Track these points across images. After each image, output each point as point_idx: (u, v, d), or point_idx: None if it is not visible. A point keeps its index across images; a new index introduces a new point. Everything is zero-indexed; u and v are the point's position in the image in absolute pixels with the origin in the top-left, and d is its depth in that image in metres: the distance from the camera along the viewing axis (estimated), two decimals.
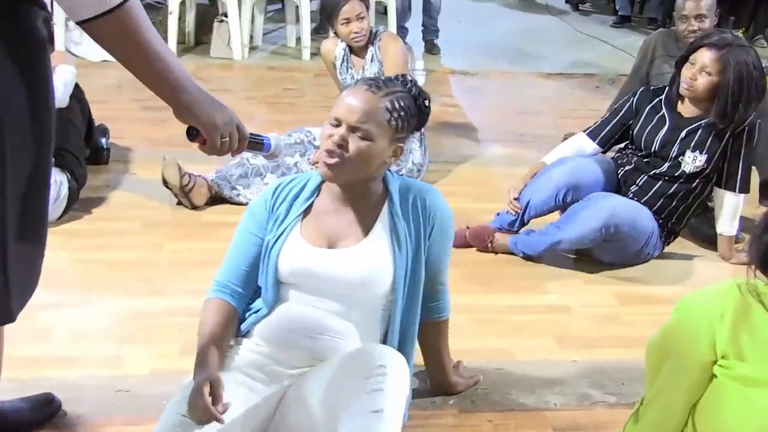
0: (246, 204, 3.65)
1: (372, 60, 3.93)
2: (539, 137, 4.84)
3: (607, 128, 3.37)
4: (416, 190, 1.99)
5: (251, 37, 6.54)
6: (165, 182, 3.62)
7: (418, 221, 1.96)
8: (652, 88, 3.36)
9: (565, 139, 4.68)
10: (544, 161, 3.38)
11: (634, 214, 3.17)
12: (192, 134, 1.64)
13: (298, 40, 6.55)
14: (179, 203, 3.67)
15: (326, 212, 1.97)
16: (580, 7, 8.73)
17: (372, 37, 3.93)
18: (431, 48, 6.66)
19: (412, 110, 1.92)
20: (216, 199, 3.72)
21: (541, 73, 6.31)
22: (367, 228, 1.95)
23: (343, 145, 1.87)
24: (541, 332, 2.86)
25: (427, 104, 1.96)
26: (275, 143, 1.85)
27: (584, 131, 3.43)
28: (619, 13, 8.09)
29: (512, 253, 3.33)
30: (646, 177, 3.24)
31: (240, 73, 6.01)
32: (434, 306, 2.11)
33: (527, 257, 3.31)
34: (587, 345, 2.79)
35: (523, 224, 3.34)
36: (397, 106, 1.87)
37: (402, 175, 3.86)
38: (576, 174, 3.22)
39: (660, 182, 3.22)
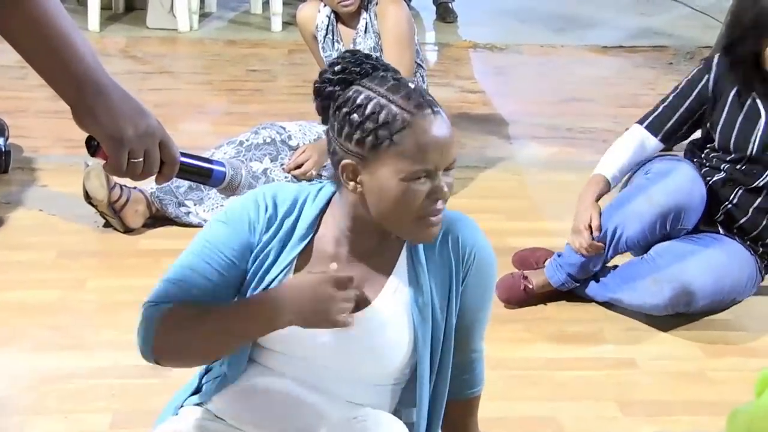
0: (197, 225, 3.69)
1: (366, 31, 3.98)
2: (591, 132, 4.90)
3: (674, 119, 3.35)
4: (447, 222, 1.94)
5: (202, 1, 6.60)
6: (88, 197, 3.65)
7: (448, 266, 1.93)
8: (731, 61, 3.26)
9: None
10: (601, 174, 3.34)
11: (717, 276, 3.19)
12: (92, 146, 1.61)
13: (266, 5, 6.62)
14: (108, 225, 3.72)
15: (326, 260, 1.94)
16: None
17: (365, 1, 3.98)
18: (445, 13, 6.73)
19: None
20: (157, 219, 3.76)
21: (595, 47, 6.38)
22: (378, 284, 1.93)
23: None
24: (598, 394, 2.87)
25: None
26: (232, 172, 1.76)
27: (640, 122, 3.41)
28: None
29: (555, 289, 3.36)
30: (742, 190, 3.27)
31: (187, 50, 6.07)
32: (465, 380, 2.09)
33: (576, 282, 3.33)
34: (659, 411, 2.81)
35: (605, 264, 3.34)
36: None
37: None
38: (684, 193, 3.19)
39: (763, 197, 3.27)
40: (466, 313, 1.97)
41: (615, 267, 3.33)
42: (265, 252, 1.93)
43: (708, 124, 3.32)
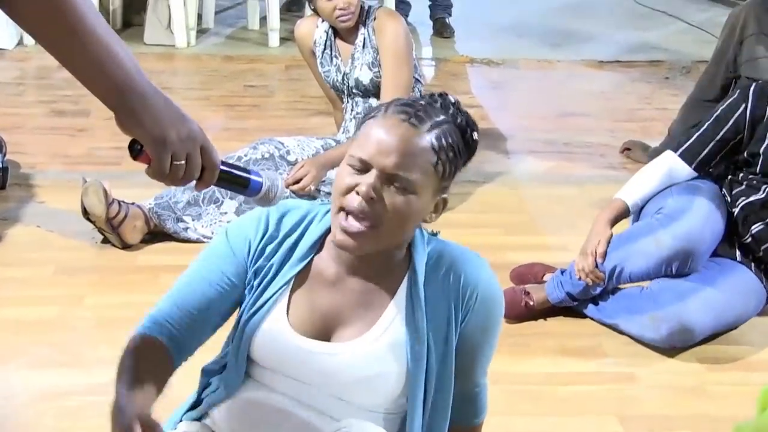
0: (196, 241, 3.68)
1: (364, 46, 3.98)
2: (589, 147, 4.90)
3: (708, 148, 3.31)
4: (451, 258, 1.91)
5: (200, 16, 6.61)
6: (86, 213, 3.64)
7: (448, 304, 1.90)
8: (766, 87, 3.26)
9: (624, 149, 4.78)
10: (622, 199, 3.30)
11: (717, 314, 3.16)
12: (135, 150, 1.63)
13: (263, 20, 6.62)
14: (105, 241, 3.70)
15: (326, 282, 1.92)
16: None
17: (364, 16, 3.98)
18: (442, 29, 6.74)
19: (461, 149, 1.88)
20: (156, 234, 3.75)
21: (591, 61, 6.39)
22: (374, 313, 1.91)
23: (375, 200, 1.80)
24: (599, 409, 2.86)
25: (475, 137, 1.93)
26: (269, 183, 1.77)
27: (673, 150, 3.36)
28: None
29: (553, 305, 3.34)
30: None
31: (184, 65, 6.07)
32: (468, 409, 2.06)
33: (574, 302, 3.31)
34: (660, 426, 2.79)
35: (602, 294, 3.32)
36: (444, 144, 1.83)
37: None
38: (694, 240, 3.14)
39: None
40: (468, 351, 1.95)
41: (615, 291, 3.30)
42: (264, 269, 1.92)
43: (746, 152, 3.28)
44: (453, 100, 1.92)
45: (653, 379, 3.04)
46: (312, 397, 1.91)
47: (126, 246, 3.68)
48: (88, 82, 1.57)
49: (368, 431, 1.79)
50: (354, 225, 1.80)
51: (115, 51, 1.54)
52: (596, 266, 3.14)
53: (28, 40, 6.16)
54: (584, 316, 3.32)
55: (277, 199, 1.79)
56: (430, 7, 6.85)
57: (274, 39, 6.39)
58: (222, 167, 1.70)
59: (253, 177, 1.75)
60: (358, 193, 1.79)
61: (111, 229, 3.63)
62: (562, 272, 3.29)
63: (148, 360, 1.84)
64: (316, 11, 3.98)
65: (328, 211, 1.94)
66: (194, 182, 1.68)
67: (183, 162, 1.60)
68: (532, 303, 3.29)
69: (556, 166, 4.70)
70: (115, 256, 3.64)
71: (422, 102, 1.87)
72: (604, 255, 3.15)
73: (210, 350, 2.02)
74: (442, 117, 1.86)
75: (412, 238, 1.93)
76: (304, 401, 1.92)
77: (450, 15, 6.81)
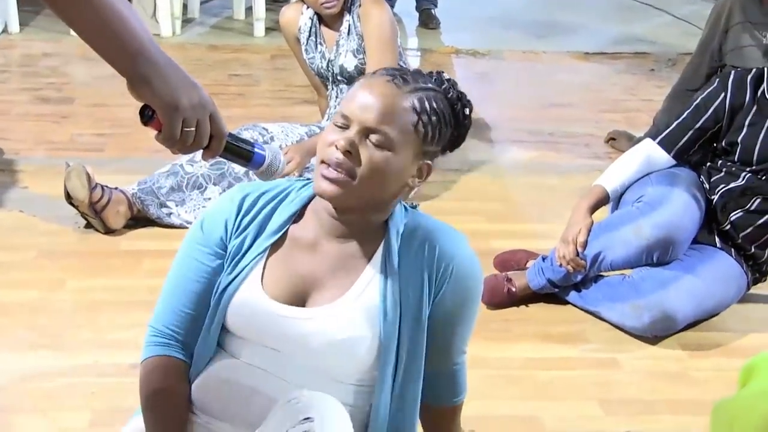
0: (179, 226, 3.67)
1: (349, 33, 3.97)
2: (573, 136, 4.91)
3: (687, 136, 3.32)
4: (427, 230, 1.93)
5: (185, 6, 6.59)
6: (69, 197, 3.62)
7: (422, 274, 1.90)
8: (748, 76, 3.27)
9: (609, 139, 4.79)
10: (602, 186, 3.29)
11: (698, 302, 3.17)
12: (147, 115, 1.64)
13: (249, 10, 6.61)
14: (88, 226, 3.69)
15: (302, 248, 1.94)
16: None
17: (349, 2, 3.97)
18: (428, 20, 6.73)
19: (446, 117, 1.90)
20: (139, 220, 3.74)
21: (577, 53, 6.39)
22: (352, 279, 1.92)
23: (352, 153, 1.82)
24: (580, 394, 2.86)
25: (467, 113, 1.95)
26: (272, 156, 1.79)
27: (652, 137, 3.37)
28: None
29: (535, 292, 3.34)
30: (760, 199, 3.23)
31: (169, 54, 5.99)
32: (447, 388, 2.07)
33: (555, 288, 3.32)
34: (642, 411, 2.80)
35: (584, 281, 3.32)
36: (428, 107, 1.86)
37: None
38: (674, 228, 3.15)
39: None
40: (443, 328, 1.95)
41: (597, 279, 3.31)
42: (239, 242, 1.95)
43: (724, 141, 3.29)
44: (447, 77, 1.96)
45: (635, 364, 3.05)
46: (283, 367, 1.92)
47: (109, 231, 3.66)
48: (101, 49, 1.59)
49: (318, 399, 1.79)
50: (332, 173, 1.83)
51: (127, 17, 1.57)
52: (577, 254, 3.14)
53: (13, 27, 6.14)
54: (567, 303, 3.33)
55: (279, 172, 1.82)
56: None
57: (259, 29, 6.37)
58: (228, 138, 1.73)
59: (257, 150, 1.78)
60: (336, 147, 1.83)
61: (94, 213, 3.62)
62: (543, 259, 3.29)
63: (173, 399, 1.94)
64: None
65: (305, 185, 1.99)
66: (201, 152, 1.70)
67: (193, 129, 1.63)
68: (514, 289, 3.29)
69: (540, 156, 4.70)
70: (98, 241, 3.63)
71: (412, 70, 1.93)
72: (585, 244, 3.14)
73: None
74: (430, 85, 1.90)
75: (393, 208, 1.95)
76: (276, 373, 1.92)
77: (435, 6, 6.80)
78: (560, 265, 3.17)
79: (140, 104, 1.65)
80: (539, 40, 6.62)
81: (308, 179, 2.00)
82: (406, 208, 1.98)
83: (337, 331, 1.89)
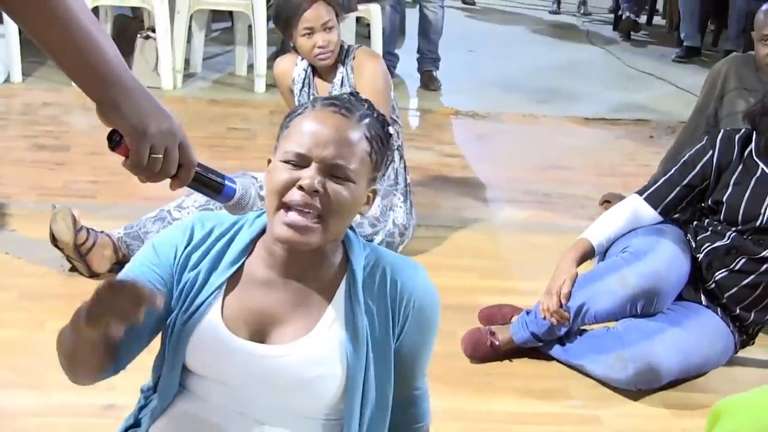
0: None
1: (342, 84, 3.98)
2: (569, 198, 4.90)
3: (674, 193, 3.31)
4: (388, 263, 1.92)
5: (187, 61, 6.64)
6: (54, 239, 3.61)
7: (386, 309, 1.89)
8: (736, 136, 3.26)
9: (604, 202, 4.77)
10: (587, 239, 3.29)
11: (684, 356, 3.13)
12: (114, 140, 1.62)
13: (251, 68, 6.65)
14: (73, 269, 3.67)
15: (259, 284, 1.89)
16: (632, 36, 8.92)
17: (343, 54, 3.99)
18: (429, 81, 6.77)
19: (383, 139, 1.90)
20: (123, 264, 3.66)
21: (577, 118, 6.41)
22: (315, 315, 1.88)
23: (319, 192, 1.77)
24: None
25: (390, 132, 1.95)
26: (242, 190, 1.76)
27: (640, 193, 3.36)
28: (684, 44, 8.25)
29: (519, 347, 3.30)
30: (745, 259, 3.19)
31: (169, 107, 5.74)
32: (411, 414, 2.05)
33: (539, 342, 3.27)
34: None
35: (568, 334, 3.29)
36: (374, 133, 1.86)
37: (380, 240, 3.93)
38: (659, 278, 3.13)
39: (766, 266, 3.19)
40: (406, 357, 1.93)
41: (581, 332, 3.27)
42: (192, 276, 1.89)
43: (710, 199, 3.28)
44: (364, 97, 1.94)
45: (618, 422, 3.02)
46: (248, 405, 1.88)
47: (93, 275, 3.63)
48: (71, 71, 1.58)
49: None
50: (299, 219, 1.77)
51: (98, 40, 1.56)
52: (561, 306, 3.11)
53: (16, 77, 6.18)
54: (551, 359, 3.29)
55: (249, 207, 1.77)
56: (418, 60, 6.88)
57: (260, 85, 6.40)
58: (197, 168, 1.69)
59: (227, 183, 1.74)
60: (301, 188, 1.76)
61: (79, 256, 3.60)
62: (528, 312, 3.26)
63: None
64: (295, 49, 3.99)
65: (258, 216, 1.93)
66: (169, 181, 1.67)
67: (161, 155, 1.61)
68: (497, 343, 3.25)
69: (534, 215, 4.69)
70: (82, 284, 3.60)
71: (345, 96, 1.90)
72: (569, 295, 3.11)
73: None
74: (365, 110, 1.88)
75: (347, 239, 1.92)
76: (242, 410, 1.88)
77: (437, 68, 6.84)
78: (544, 318, 3.14)
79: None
80: (540, 104, 6.65)
81: (261, 210, 1.94)
82: (358, 236, 1.95)
83: (304, 369, 1.85)
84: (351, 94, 1.93)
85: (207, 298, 1.87)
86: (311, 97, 4.04)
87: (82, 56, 1.56)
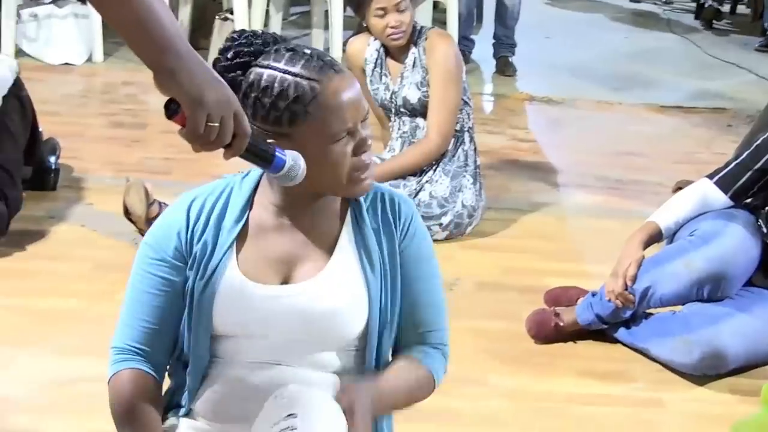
0: None
1: (414, 65, 3.98)
2: (641, 184, 4.84)
3: (746, 177, 3.22)
4: (384, 193, 2.00)
5: None
6: (127, 212, 3.67)
7: (389, 226, 1.96)
8: None
9: (677, 189, 4.69)
10: (655, 222, 3.24)
11: (750, 342, 3.08)
12: (171, 109, 1.64)
13: (327, 51, 6.66)
14: None
15: (269, 232, 1.93)
16: (714, 25, 8.76)
17: (415, 35, 3.98)
18: (504, 67, 6.73)
19: None
20: None
21: (653, 105, 6.32)
22: (329, 246, 1.93)
23: None
24: (621, 431, 2.81)
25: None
26: (292, 161, 1.76)
27: (710, 177, 3.29)
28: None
29: (583, 328, 3.28)
30: None
31: None
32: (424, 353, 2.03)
33: (603, 324, 3.25)
34: None
35: (634, 317, 3.26)
36: None
37: (449, 220, 3.93)
38: (726, 263, 3.09)
39: None
40: (410, 281, 1.97)
41: (647, 315, 3.24)
42: (201, 243, 1.92)
43: None
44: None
45: (681, 406, 2.99)
46: (283, 352, 1.90)
47: None
48: (131, 41, 1.60)
49: (302, 394, 1.78)
50: (370, 173, 1.90)
51: (159, 13, 1.58)
52: (626, 288, 3.07)
53: (97, 57, 6.29)
54: (615, 341, 3.26)
55: (299, 178, 1.78)
56: (493, 45, 6.84)
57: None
58: (250, 139, 1.71)
59: (278, 153, 1.75)
60: (364, 152, 1.87)
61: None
62: (593, 294, 3.23)
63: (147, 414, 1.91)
64: (368, 29, 3.99)
65: (245, 176, 1.97)
66: (223, 150, 1.68)
67: (217, 124, 1.62)
68: (561, 324, 3.23)
69: (605, 201, 4.65)
70: None
71: (308, 51, 1.87)
72: (635, 278, 3.07)
73: None
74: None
75: None
76: (278, 360, 1.91)
77: (513, 54, 6.79)
78: (609, 300, 3.11)
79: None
80: (615, 91, 6.57)
81: (246, 172, 1.98)
82: None
83: (332, 298, 1.89)
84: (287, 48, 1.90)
85: (221, 259, 1.90)
86: (383, 78, 4.05)
87: (142, 28, 1.58)
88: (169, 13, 1.61)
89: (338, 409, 1.79)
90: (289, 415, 1.72)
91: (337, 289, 1.90)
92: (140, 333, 1.94)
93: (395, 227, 1.96)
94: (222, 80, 1.66)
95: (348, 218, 1.95)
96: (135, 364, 1.93)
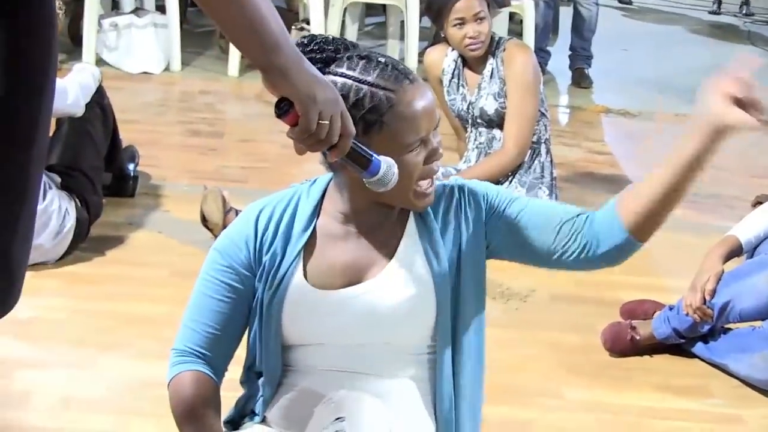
0: None
1: (492, 76, 4.00)
2: (719, 198, 4.81)
3: None
4: (442, 186, 2.00)
5: None
6: (204, 219, 3.73)
7: (457, 217, 1.95)
8: None
9: (756, 203, 4.65)
10: (735, 236, 3.25)
11: None
12: (282, 109, 1.67)
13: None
14: None
15: (335, 240, 1.95)
16: None
17: (493, 46, 4.00)
18: (580, 79, 6.72)
19: None
20: None
21: None
22: (393, 248, 1.94)
23: None
24: None
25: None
26: (386, 168, 1.78)
27: None
28: None
29: (659, 342, 3.26)
30: None
31: None
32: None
33: (680, 339, 3.23)
34: None
35: (712, 332, 3.25)
36: None
37: None
38: None
39: None
40: (530, 212, 1.93)
41: (726, 330, 3.22)
42: (270, 253, 1.93)
43: None
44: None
45: (763, 423, 2.96)
46: (355, 358, 1.92)
47: None
48: (240, 40, 1.64)
49: (350, 399, 1.81)
50: (431, 187, 1.91)
51: (266, 14, 1.61)
52: (705, 302, 3.06)
53: (175, 66, 6.39)
54: (692, 356, 3.25)
55: (391, 185, 1.79)
56: (570, 57, 6.84)
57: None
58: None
59: (375, 157, 1.77)
60: (435, 161, 1.89)
61: None
62: (670, 308, 3.22)
63: (207, 416, 1.94)
64: (446, 39, 4.02)
65: (312, 184, 1.99)
66: (328, 152, 1.71)
67: (327, 122, 1.65)
68: (638, 338, 3.22)
69: (682, 214, 4.56)
70: None
71: (382, 60, 1.88)
72: (713, 292, 3.06)
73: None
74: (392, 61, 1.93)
75: None
76: (351, 367, 1.92)
77: (589, 66, 6.78)
78: (687, 314, 3.09)
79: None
80: (693, 105, 6.47)
81: (313, 180, 2.00)
82: None
83: (398, 295, 1.90)
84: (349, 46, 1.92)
85: (288, 268, 1.92)
86: (461, 89, 4.07)
87: (251, 29, 1.60)
88: (274, 13, 1.63)
89: (385, 412, 1.81)
90: (338, 418, 1.75)
91: (402, 285, 1.91)
92: (202, 337, 1.97)
93: (458, 213, 1.95)
94: (327, 81, 1.68)
95: (411, 217, 1.96)
96: (196, 366, 1.96)
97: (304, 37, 1.90)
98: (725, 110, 1.78)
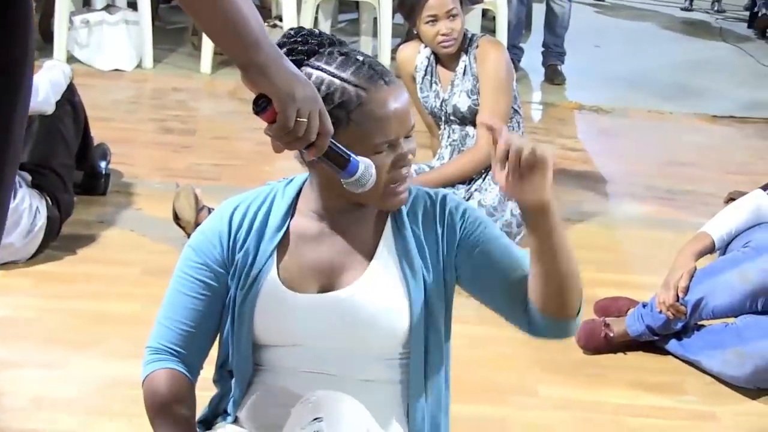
0: None
1: (465, 73, 3.99)
2: (693, 195, 4.83)
3: None
4: (426, 194, 1.98)
5: None
6: (176, 217, 3.71)
7: (433, 228, 1.94)
8: None
9: (729, 200, 4.67)
10: (708, 233, 3.26)
11: None
12: (260, 106, 1.66)
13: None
14: None
15: (309, 240, 1.94)
16: (767, 34, 8.70)
17: (466, 43, 3.99)
18: (553, 75, 6.72)
19: None
20: None
21: (704, 115, 6.29)
22: (368, 253, 1.93)
23: None
24: None
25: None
26: (363, 168, 1.76)
27: (763, 188, 3.30)
28: None
29: (633, 339, 3.27)
30: None
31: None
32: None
33: (654, 336, 3.24)
34: None
35: (685, 329, 3.26)
36: None
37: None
38: None
39: None
40: (490, 245, 1.91)
41: (699, 327, 3.23)
42: (243, 251, 1.93)
43: None
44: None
45: (735, 420, 2.97)
46: (326, 361, 1.92)
47: None
48: (220, 38, 1.64)
49: (329, 399, 1.80)
50: (406, 186, 1.89)
51: (244, 9, 1.61)
52: (678, 299, 3.07)
53: (147, 63, 6.35)
54: (666, 353, 3.26)
55: (369, 185, 1.78)
56: (543, 53, 6.84)
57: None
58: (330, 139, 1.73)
59: (353, 158, 1.76)
60: (403, 165, 1.87)
61: None
62: (644, 305, 3.23)
63: (181, 414, 1.93)
64: (418, 36, 4.01)
65: (289, 183, 1.98)
66: (305, 150, 1.70)
67: (305, 120, 1.64)
68: (611, 334, 3.23)
69: (655, 211, 4.63)
70: None
71: (361, 58, 1.87)
72: (686, 289, 3.07)
73: None
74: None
75: None
76: (321, 369, 1.92)
77: (562, 63, 6.78)
78: (660, 311, 3.10)
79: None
80: (666, 101, 6.54)
81: (290, 179, 1.99)
82: None
83: (371, 303, 1.89)
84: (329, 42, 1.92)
85: (261, 268, 1.91)
86: (434, 86, 4.06)
87: (231, 25, 1.60)
88: (254, 11, 1.63)
89: (364, 412, 1.80)
90: (315, 419, 1.74)
91: (376, 295, 1.90)
92: (177, 334, 1.96)
93: (441, 222, 1.94)
94: (306, 78, 1.68)
95: (387, 224, 1.95)
96: (170, 364, 1.95)
97: (292, 28, 1.90)
98: (512, 192, 1.79)
